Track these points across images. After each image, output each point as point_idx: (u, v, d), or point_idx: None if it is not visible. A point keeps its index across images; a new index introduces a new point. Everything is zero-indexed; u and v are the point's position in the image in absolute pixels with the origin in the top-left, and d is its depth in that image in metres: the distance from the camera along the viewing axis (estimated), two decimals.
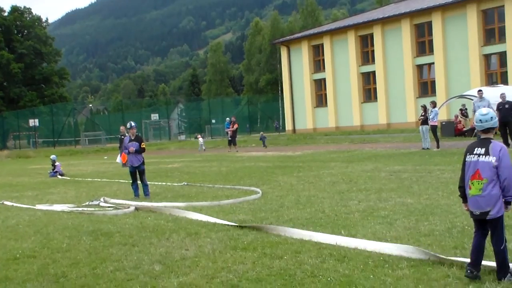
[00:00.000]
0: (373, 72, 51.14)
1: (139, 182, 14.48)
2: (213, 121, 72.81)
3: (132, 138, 14.51)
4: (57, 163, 24.23)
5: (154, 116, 71.21)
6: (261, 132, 45.07)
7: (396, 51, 48.82)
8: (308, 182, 15.14)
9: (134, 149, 14.24)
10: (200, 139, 43.77)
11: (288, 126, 59.74)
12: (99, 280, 6.50)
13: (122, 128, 30.29)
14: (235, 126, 36.40)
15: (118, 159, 28.59)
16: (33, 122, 63.62)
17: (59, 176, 23.21)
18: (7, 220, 11.64)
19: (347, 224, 8.86)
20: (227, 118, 39.43)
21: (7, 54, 78.09)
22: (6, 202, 14.72)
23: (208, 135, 69.78)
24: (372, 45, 51.12)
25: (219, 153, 35.49)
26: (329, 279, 5.96)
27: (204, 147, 41.86)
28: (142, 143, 14.44)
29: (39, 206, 13.54)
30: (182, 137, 67.65)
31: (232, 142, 36.31)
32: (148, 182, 14.86)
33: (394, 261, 6.43)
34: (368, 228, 8.44)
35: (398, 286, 5.59)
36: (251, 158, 27.97)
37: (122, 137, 28.57)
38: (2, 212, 13.11)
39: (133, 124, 14.64)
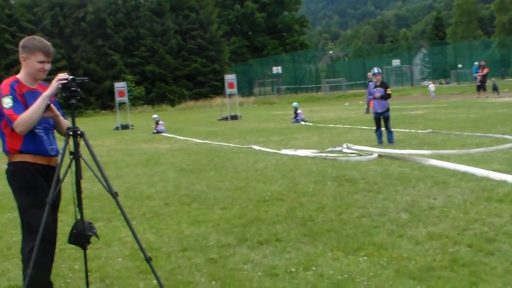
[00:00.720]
0: None
1: (383, 129, 14.31)
2: (460, 65, 69.34)
3: (378, 84, 14.31)
4: (299, 111, 25.03)
5: (396, 62, 69.86)
6: (493, 79, 42.40)
7: None
8: None
9: (380, 94, 14.07)
10: (431, 86, 42.96)
11: None
12: (345, 225, 6.55)
13: (369, 74, 30.19)
14: (485, 70, 34.24)
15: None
16: (276, 70, 66.47)
17: (302, 122, 23.98)
18: (256, 164, 12.29)
19: None
20: (476, 62, 37.36)
21: (251, 4, 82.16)
22: (254, 146, 15.57)
23: (454, 80, 66.83)
24: None
25: (466, 99, 33.85)
26: None
27: (433, 95, 41.00)
28: (388, 89, 14.18)
29: (284, 151, 14.10)
30: (426, 82, 65.59)
31: (481, 87, 34.36)
32: (392, 129, 14.60)
33: None
34: None
35: None
36: (504, 104, 26.19)
37: (369, 82, 28.66)
38: (250, 156, 13.89)
39: (377, 70, 14.46)
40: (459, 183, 8.40)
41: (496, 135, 14.01)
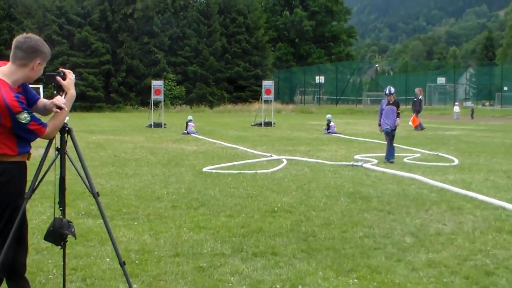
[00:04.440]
0: None
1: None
2: (505, 88, 67.99)
3: (391, 103, 14.53)
4: (331, 123, 24.86)
5: (441, 80, 69.03)
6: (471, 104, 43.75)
7: None
8: None
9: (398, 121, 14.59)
10: (456, 107, 43.29)
11: None
12: (346, 244, 6.41)
13: (417, 90, 29.92)
14: None
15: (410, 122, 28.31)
16: (319, 79, 66.23)
17: (334, 135, 23.80)
18: (275, 173, 12.19)
19: None
20: None
21: (300, 12, 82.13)
22: (274, 156, 15.45)
23: (498, 103, 65.57)
24: None
25: (506, 123, 33.15)
26: None
27: (457, 117, 41.42)
28: (399, 108, 14.62)
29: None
30: (468, 103, 64.61)
31: None
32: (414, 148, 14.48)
33: None
34: None
35: None
36: None
37: (415, 99, 28.37)
38: (273, 164, 13.78)
39: (389, 90, 14.74)
40: (474, 211, 8.18)
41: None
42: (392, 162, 13.93)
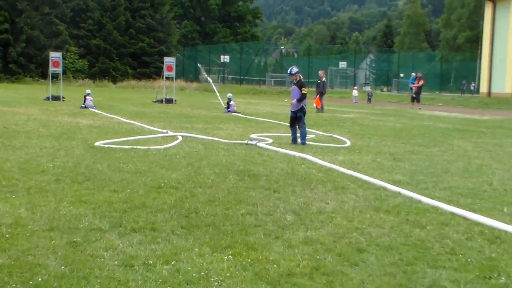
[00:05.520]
0: None
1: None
2: (401, 75, 70.63)
3: (294, 83, 14.31)
4: (231, 102, 24.86)
5: (342, 64, 70.80)
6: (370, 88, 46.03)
7: None
8: (485, 150, 13.99)
9: (295, 101, 14.03)
10: (355, 91, 44.72)
11: (483, 88, 56.22)
12: (227, 221, 6.38)
13: (320, 72, 30.19)
14: (421, 82, 34.79)
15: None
16: (224, 58, 66.13)
17: (233, 113, 23.83)
18: (168, 150, 12.02)
19: None
20: (413, 73, 38.18)
21: None
22: (169, 132, 15.23)
23: (395, 89, 68.00)
24: None
25: (400, 108, 34.34)
26: (469, 259, 5.31)
27: (355, 100, 42.74)
28: (303, 89, 13.99)
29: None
30: (367, 88, 66.57)
31: (415, 99, 34.94)
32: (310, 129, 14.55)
33: None
34: None
35: None
36: (432, 117, 26.68)
37: (319, 82, 28.57)
38: (168, 140, 13.59)
39: (292, 69, 14.40)
40: (357, 190, 8.36)
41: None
42: (304, 144, 13.80)
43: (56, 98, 28.78)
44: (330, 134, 16.49)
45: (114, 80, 60.53)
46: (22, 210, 6.44)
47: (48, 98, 28.68)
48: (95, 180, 8.36)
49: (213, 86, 32.00)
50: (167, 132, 15.09)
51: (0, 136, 13.12)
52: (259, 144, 13.28)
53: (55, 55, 30.88)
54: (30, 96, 31.40)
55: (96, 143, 12.37)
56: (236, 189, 8.16)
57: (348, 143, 14.53)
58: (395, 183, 8.95)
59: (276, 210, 7.02)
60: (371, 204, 7.54)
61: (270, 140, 14.22)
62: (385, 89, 69.72)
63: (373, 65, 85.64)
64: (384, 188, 8.54)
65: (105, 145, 12.17)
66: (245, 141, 13.63)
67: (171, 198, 7.40)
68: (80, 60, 60.38)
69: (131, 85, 57.03)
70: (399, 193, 8.18)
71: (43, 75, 56.27)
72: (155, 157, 10.86)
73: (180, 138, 13.84)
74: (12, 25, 58.19)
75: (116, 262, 4.90)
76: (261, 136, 15.18)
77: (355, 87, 47.46)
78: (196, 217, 6.54)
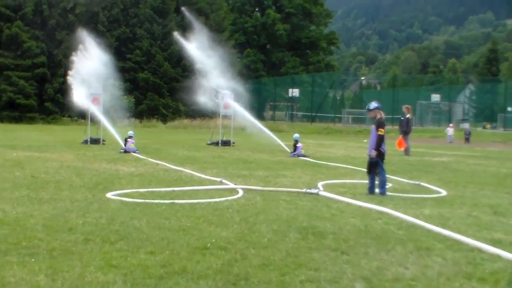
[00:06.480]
0: None
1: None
2: (509, 108, 69.14)
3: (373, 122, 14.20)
4: (298, 144, 24.92)
5: (435, 97, 70.08)
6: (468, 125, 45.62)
7: None
8: None
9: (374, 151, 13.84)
10: (449, 130, 44.55)
11: None
12: None
13: (404, 107, 29.79)
14: None
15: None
16: (293, 92, 66.55)
17: (301, 158, 23.83)
18: (218, 203, 12.01)
19: None
20: None
21: (273, 14, 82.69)
22: (224, 181, 15.28)
23: (500, 125, 66.61)
24: None
25: (507, 150, 33.60)
26: None
27: (450, 140, 42.92)
28: (380, 130, 13.77)
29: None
30: (465, 125, 65.47)
31: None
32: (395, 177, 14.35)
33: None
34: None
35: None
36: None
37: (402, 118, 28.28)
38: (219, 191, 13.62)
39: (370, 106, 14.26)
40: (445, 252, 8.13)
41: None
42: (382, 194, 13.65)
43: (95, 141, 29.46)
44: (417, 182, 16.21)
45: (164, 120, 61.68)
46: (41, 277, 6.51)
47: (86, 142, 29.38)
48: (130, 240, 8.41)
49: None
50: (221, 181, 15.15)
51: (27, 187, 13.43)
52: (321, 193, 13.18)
53: (95, 91, 31.68)
54: (66, 139, 32.28)
55: (108, 194, 12.48)
56: (296, 250, 8.06)
57: (444, 192, 14.25)
58: (494, 243, 8.69)
59: (343, 276, 6.88)
60: (462, 269, 7.31)
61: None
62: (488, 126, 68.49)
63: (473, 97, 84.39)
64: (480, 250, 8.28)
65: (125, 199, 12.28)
66: (303, 190, 13.58)
67: (218, 262, 7.35)
68: (125, 96, 61.92)
69: (183, 125, 57.97)
70: (499, 256, 7.91)
71: (83, 114, 57.92)
72: (203, 211, 10.88)
73: (241, 193, 13.58)
74: (49, 57, 60.37)
75: None
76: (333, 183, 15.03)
77: (450, 125, 46.92)
78: (245, 285, 6.47)
